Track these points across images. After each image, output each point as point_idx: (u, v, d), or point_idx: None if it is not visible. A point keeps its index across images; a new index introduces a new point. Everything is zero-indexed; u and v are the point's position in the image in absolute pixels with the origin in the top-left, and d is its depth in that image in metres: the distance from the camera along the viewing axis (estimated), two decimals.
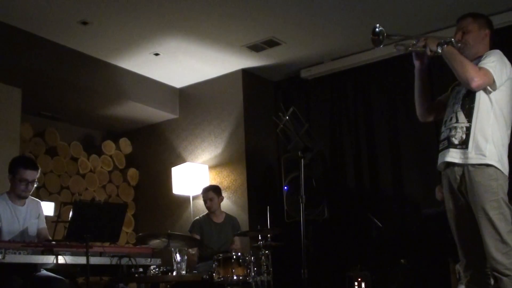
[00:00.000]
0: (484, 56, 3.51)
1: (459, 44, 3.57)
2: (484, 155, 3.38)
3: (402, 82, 6.92)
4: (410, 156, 6.88)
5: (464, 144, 3.43)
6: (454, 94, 3.64)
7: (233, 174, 7.49)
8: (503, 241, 3.28)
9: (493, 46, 3.67)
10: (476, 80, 3.37)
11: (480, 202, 3.33)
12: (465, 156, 3.42)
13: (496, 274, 3.32)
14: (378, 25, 3.55)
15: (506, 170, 3.42)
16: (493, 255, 3.29)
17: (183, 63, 7.42)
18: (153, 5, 5.99)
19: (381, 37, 3.53)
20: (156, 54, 7.13)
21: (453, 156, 3.46)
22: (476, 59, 3.55)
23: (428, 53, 3.54)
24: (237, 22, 6.42)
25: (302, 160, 5.06)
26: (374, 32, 3.55)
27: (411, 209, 6.75)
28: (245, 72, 7.68)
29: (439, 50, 3.49)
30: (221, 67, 7.58)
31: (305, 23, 6.48)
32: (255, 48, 7.04)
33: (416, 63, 3.72)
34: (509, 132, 3.50)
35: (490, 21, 3.72)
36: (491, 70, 3.39)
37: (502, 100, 3.45)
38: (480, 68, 3.41)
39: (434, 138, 6.03)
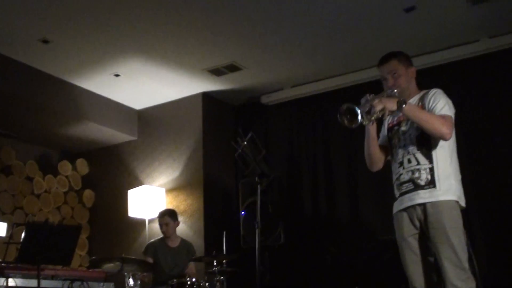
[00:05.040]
0: (431, 98, 3.63)
1: (396, 91, 3.65)
2: (450, 192, 3.51)
3: None
4: (367, 184, 6.91)
5: (431, 184, 3.53)
6: (399, 135, 3.71)
7: (190, 198, 7.42)
8: (463, 267, 3.42)
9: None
10: (448, 133, 3.48)
11: (444, 230, 3.44)
12: (434, 194, 3.51)
13: None
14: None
15: (464, 204, 3.58)
16: (453, 282, 3.40)
17: (143, 85, 7.39)
18: (115, 26, 5.97)
19: (348, 116, 3.41)
20: (117, 75, 7.09)
21: (422, 197, 3.55)
22: (412, 96, 3.71)
23: (387, 114, 3.54)
24: (199, 46, 6.43)
25: (259, 186, 5.09)
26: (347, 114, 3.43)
27: (367, 236, 6.74)
28: (206, 95, 7.67)
29: (400, 110, 3.49)
30: (182, 90, 7.57)
31: (266, 49, 6.54)
32: (216, 72, 7.06)
33: (371, 126, 3.71)
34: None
35: (409, 56, 3.85)
36: (450, 114, 3.55)
37: (453, 136, 3.59)
38: (441, 116, 3.51)
39: (390, 167, 6.08)
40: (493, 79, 6.42)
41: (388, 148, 3.85)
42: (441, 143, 3.55)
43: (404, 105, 3.43)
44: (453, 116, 3.57)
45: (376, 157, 3.84)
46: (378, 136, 3.88)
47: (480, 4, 5.71)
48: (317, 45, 6.46)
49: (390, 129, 3.81)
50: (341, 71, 7.08)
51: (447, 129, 3.47)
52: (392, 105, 3.45)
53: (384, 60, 3.78)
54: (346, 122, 3.40)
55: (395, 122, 3.76)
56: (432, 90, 3.70)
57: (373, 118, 3.48)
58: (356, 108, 3.35)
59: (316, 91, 7.36)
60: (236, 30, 6.11)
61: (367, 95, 3.58)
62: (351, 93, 7.00)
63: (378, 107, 3.43)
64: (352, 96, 6.80)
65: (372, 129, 3.74)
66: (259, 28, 6.08)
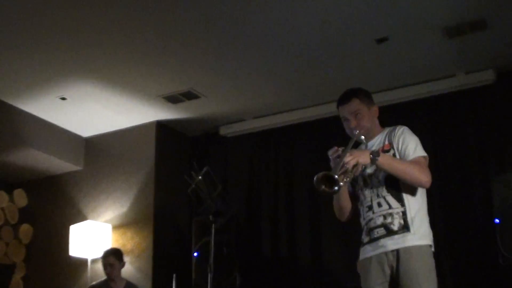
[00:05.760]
0: (399, 139, 3.57)
1: (362, 135, 3.61)
2: (424, 236, 3.46)
3: (326, 145, 6.71)
4: (330, 224, 6.61)
5: (405, 228, 3.44)
6: (365, 177, 3.60)
7: (138, 236, 7.08)
8: None
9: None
10: (428, 181, 3.44)
11: (417, 278, 3.34)
12: (408, 239, 3.42)
13: None
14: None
15: (433, 248, 3.52)
16: None
17: (91, 110, 7.09)
18: (61, 46, 5.71)
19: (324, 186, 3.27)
20: (63, 98, 6.76)
21: (396, 242, 3.43)
22: (376, 135, 3.67)
23: (361, 168, 3.44)
24: (153, 70, 6.23)
25: (213, 225, 5.00)
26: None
27: (330, 282, 6.50)
28: (160, 124, 7.43)
29: (374, 163, 3.40)
30: (134, 117, 7.30)
31: (227, 77, 6.37)
32: (172, 99, 6.83)
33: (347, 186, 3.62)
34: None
35: (370, 93, 3.80)
36: (424, 155, 3.52)
37: None
38: (416, 163, 3.45)
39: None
40: (469, 116, 6.39)
41: (352, 194, 3.73)
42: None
43: (377, 157, 3.36)
44: (426, 155, 3.53)
45: (348, 210, 3.71)
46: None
47: (457, 38, 5.62)
48: (283, 75, 6.33)
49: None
50: (307, 103, 6.98)
51: (426, 177, 3.43)
52: (365, 159, 3.37)
53: (345, 99, 3.68)
54: (325, 189, 3.26)
55: None
56: (397, 128, 3.64)
57: (349, 179, 3.39)
58: (334, 176, 3.23)
59: (280, 124, 7.22)
60: (195, 55, 5.93)
61: (335, 147, 3.47)
62: (318, 127, 7.05)
63: (351, 164, 3.33)
64: (316, 130, 6.85)
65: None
66: (220, 53, 5.91)
